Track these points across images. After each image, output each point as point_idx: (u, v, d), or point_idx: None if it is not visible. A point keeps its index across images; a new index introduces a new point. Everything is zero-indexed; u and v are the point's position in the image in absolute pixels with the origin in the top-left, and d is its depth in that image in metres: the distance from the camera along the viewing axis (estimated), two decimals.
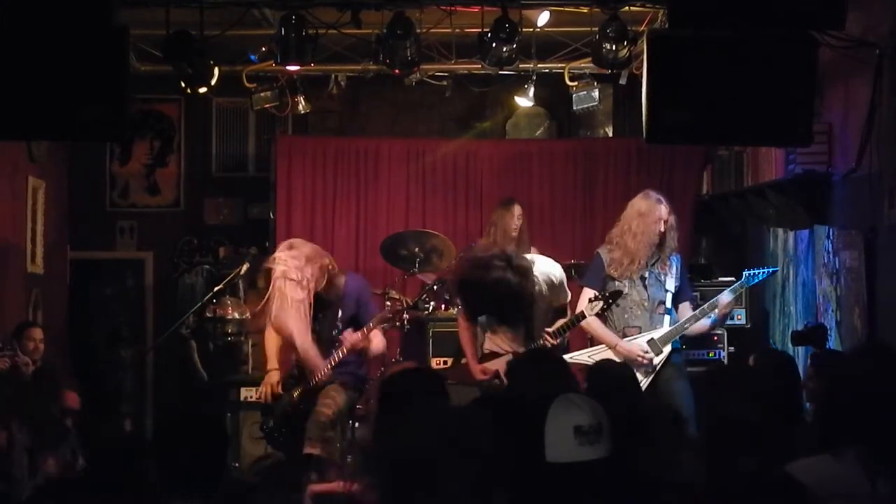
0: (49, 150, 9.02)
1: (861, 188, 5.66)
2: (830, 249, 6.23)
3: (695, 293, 7.10)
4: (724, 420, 3.19)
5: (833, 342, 6.13)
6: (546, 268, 6.30)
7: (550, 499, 2.87)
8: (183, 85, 7.23)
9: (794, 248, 7.24)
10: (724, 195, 8.24)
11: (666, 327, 6.32)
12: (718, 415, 3.29)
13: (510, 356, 6.09)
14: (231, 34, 7.06)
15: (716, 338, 7.63)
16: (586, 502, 2.88)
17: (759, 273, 6.49)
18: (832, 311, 6.18)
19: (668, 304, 6.38)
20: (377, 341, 6.46)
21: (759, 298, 7.97)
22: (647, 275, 6.36)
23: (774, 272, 6.89)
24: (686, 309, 6.48)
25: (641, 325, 6.34)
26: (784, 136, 5.00)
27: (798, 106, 4.69)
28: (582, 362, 6.41)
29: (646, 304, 6.35)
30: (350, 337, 6.27)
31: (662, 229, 6.36)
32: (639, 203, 6.45)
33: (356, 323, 6.37)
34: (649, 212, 6.38)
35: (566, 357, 6.62)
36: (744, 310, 7.68)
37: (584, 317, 6.18)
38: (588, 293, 6.35)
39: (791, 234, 7.30)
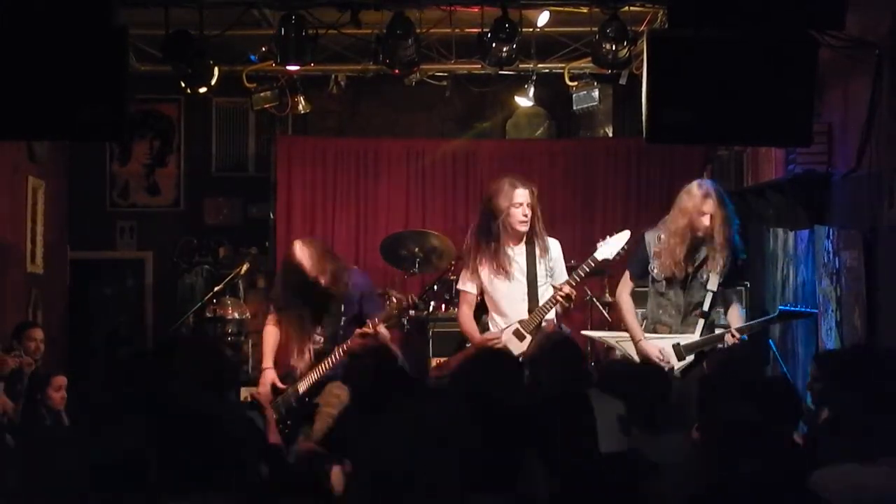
0: (49, 150, 9.02)
1: (861, 188, 5.66)
2: (830, 249, 6.22)
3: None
4: (724, 422, 3.19)
5: (833, 342, 6.13)
6: (558, 252, 6.28)
7: (606, 489, 2.87)
8: (183, 85, 7.24)
9: (794, 248, 7.23)
10: None
11: (696, 334, 6.05)
12: (718, 417, 3.29)
13: (516, 325, 6.07)
14: (231, 34, 7.06)
15: None
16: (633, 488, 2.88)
17: (794, 310, 6.26)
18: (832, 311, 6.18)
19: (707, 306, 6.04)
20: (384, 334, 6.46)
21: (760, 299, 7.97)
22: (689, 278, 6.06)
23: (813, 314, 6.38)
24: (733, 311, 6.19)
25: (672, 324, 6.09)
26: (784, 136, 4.99)
27: (798, 106, 4.69)
28: (608, 343, 6.42)
29: (680, 306, 6.09)
30: (359, 330, 6.23)
31: (707, 224, 5.93)
32: (684, 193, 6.04)
33: (360, 320, 6.36)
34: (689, 208, 5.97)
35: (595, 334, 6.78)
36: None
37: (596, 260, 6.07)
38: (629, 282, 6.26)
39: (791, 234, 7.29)
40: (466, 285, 6.31)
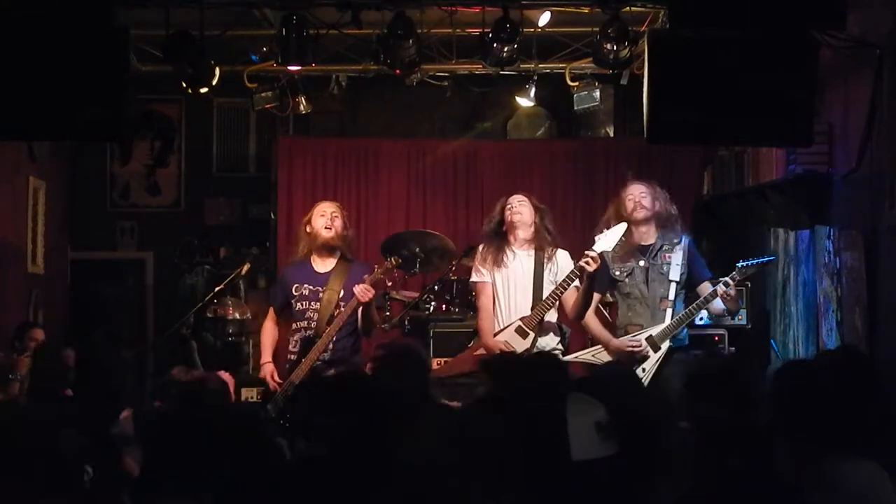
0: (50, 150, 9.03)
1: (861, 188, 5.66)
2: (831, 249, 6.23)
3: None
4: (710, 422, 3.19)
5: (834, 342, 6.13)
6: (566, 261, 6.36)
7: (578, 498, 2.87)
8: (184, 85, 7.24)
9: (795, 249, 7.23)
10: (724, 195, 8.24)
11: (666, 324, 6.19)
12: (705, 417, 3.29)
13: (518, 322, 6.21)
14: (231, 34, 7.07)
15: (717, 338, 7.62)
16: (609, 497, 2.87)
17: (753, 262, 6.31)
18: (833, 311, 6.18)
19: (672, 296, 6.19)
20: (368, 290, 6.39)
21: (760, 298, 7.97)
22: (649, 268, 6.22)
23: (771, 261, 6.55)
24: (705, 289, 6.25)
25: (643, 322, 6.20)
26: (784, 136, 5.00)
27: (798, 106, 4.70)
28: (586, 361, 6.39)
29: (647, 300, 6.22)
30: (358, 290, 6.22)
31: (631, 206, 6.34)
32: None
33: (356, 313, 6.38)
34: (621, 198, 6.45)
35: (570, 357, 6.62)
36: (744, 310, 7.65)
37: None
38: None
39: (791, 235, 7.29)
40: (483, 275, 6.43)
